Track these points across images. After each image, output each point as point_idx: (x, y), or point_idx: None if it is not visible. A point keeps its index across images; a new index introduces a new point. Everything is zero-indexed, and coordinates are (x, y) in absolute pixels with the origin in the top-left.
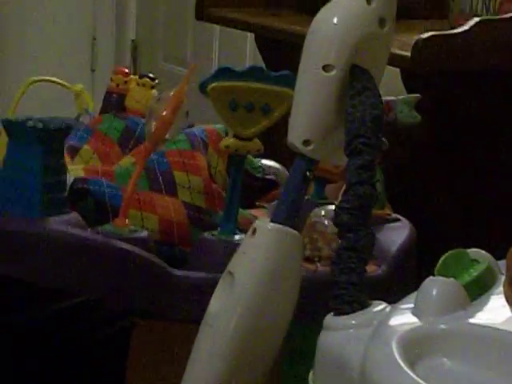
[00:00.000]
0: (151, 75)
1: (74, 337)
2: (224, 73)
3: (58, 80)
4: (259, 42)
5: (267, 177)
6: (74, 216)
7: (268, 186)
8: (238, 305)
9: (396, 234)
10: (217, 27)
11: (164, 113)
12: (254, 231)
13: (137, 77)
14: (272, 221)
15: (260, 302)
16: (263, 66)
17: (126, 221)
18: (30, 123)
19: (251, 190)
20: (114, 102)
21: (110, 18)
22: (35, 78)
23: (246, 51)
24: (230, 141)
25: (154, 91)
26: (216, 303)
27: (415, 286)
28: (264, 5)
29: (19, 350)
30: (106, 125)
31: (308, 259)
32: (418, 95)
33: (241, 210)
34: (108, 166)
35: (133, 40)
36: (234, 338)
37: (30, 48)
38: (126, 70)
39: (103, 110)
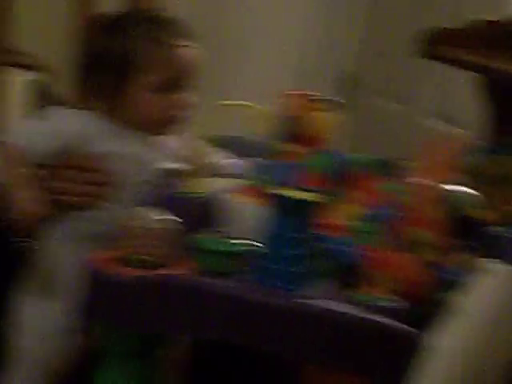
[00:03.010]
0: (327, 97)
1: None
2: None
3: (248, 104)
4: (491, 86)
5: None
6: (326, 285)
7: None
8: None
9: None
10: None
11: None
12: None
13: (311, 99)
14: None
15: (491, 341)
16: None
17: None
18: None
19: None
20: (290, 128)
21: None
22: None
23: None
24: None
25: (328, 114)
26: (449, 338)
27: None
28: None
29: None
30: (312, 162)
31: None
32: None
33: None
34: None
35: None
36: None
37: (245, 70)
38: (302, 93)
39: (279, 136)
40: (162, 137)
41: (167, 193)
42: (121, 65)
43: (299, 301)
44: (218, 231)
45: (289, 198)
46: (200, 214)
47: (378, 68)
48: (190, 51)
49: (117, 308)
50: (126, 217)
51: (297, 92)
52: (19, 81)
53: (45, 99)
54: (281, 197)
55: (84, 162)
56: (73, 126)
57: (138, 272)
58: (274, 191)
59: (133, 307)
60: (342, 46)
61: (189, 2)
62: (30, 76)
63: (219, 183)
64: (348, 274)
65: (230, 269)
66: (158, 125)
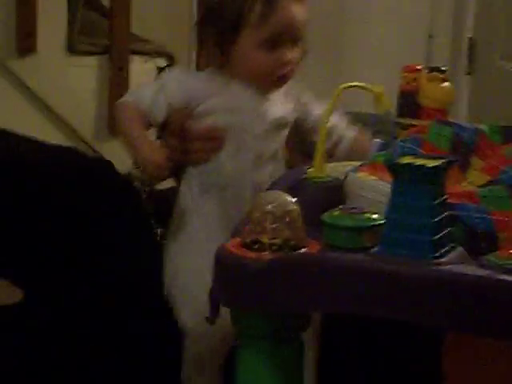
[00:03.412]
0: (443, 67)
1: None
2: None
3: (362, 84)
4: None
5: None
6: (460, 252)
7: None
8: None
9: None
10: None
11: None
12: None
13: (426, 71)
14: None
15: None
16: None
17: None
18: (415, 164)
19: None
20: (409, 102)
21: (447, 15)
22: (346, 85)
23: None
24: None
25: (446, 84)
26: None
27: None
28: None
29: None
30: (432, 134)
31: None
32: None
33: None
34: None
35: (470, 37)
36: None
37: (367, 45)
38: (418, 67)
39: (399, 111)
40: (271, 91)
41: (294, 178)
42: (232, 20)
43: (435, 268)
44: (348, 207)
45: (421, 166)
46: (328, 200)
47: (497, 31)
48: (297, 10)
49: (254, 292)
50: (256, 200)
51: (412, 66)
52: (143, 68)
53: None
54: (412, 166)
55: (188, 121)
56: (181, 84)
57: (272, 255)
58: (403, 161)
59: (270, 290)
60: (467, 10)
61: None
62: (152, 63)
63: (345, 165)
64: (481, 240)
65: (363, 244)
66: (266, 80)
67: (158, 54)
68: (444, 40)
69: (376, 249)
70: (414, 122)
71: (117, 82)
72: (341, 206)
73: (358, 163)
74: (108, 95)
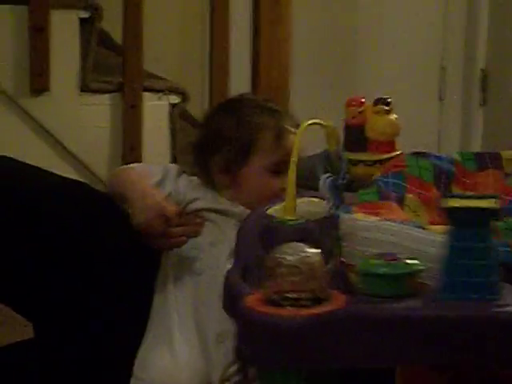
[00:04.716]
0: (388, 99)
1: None
2: None
3: (319, 121)
4: None
5: None
6: (508, 288)
7: None
8: None
9: None
10: None
11: None
12: None
13: (371, 104)
14: None
15: None
16: None
17: None
18: (479, 207)
19: None
20: (356, 136)
21: (459, 47)
22: (310, 122)
23: None
24: None
25: (391, 116)
26: None
27: None
28: None
29: None
30: (413, 168)
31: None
32: None
33: None
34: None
35: (482, 69)
36: None
37: (380, 73)
38: (362, 99)
39: (346, 146)
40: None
41: (262, 222)
42: (245, 144)
43: (503, 309)
44: (379, 254)
45: (485, 209)
46: (306, 242)
47: (510, 61)
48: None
49: (292, 349)
50: (275, 254)
51: (357, 98)
52: (156, 105)
53: (181, 122)
54: (474, 209)
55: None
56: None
57: (308, 311)
58: (458, 204)
59: (311, 346)
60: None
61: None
62: (165, 100)
63: (315, 205)
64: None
65: (404, 291)
66: (266, 201)
67: (171, 90)
68: (456, 71)
69: (433, 294)
70: (363, 156)
71: (130, 120)
72: (374, 253)
73: (314, 199)
74: (122, 132)
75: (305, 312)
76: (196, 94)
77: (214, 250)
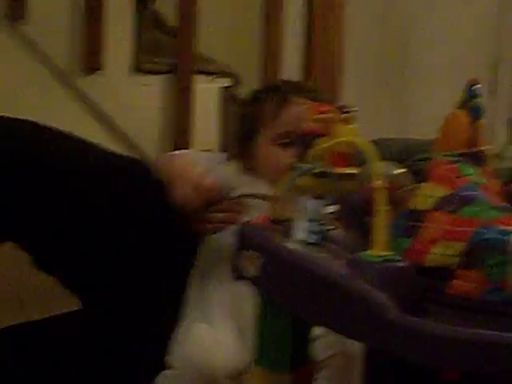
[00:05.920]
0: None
1: None
2: None
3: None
4: None
5: None
6: None
7: None
8: None
9: None
10: None
11: None
12: None
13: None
14: None
15: None
16: None
17: None
18: None
19: None
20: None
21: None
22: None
23: None
24: None
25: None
26: None
27: None
28: None
29: None
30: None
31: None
32: None
33: None
34: None
35: None
36: None
37: (431, 71)
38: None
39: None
40: None
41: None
42: (252, 122)
43: None
44: None
45: None
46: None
47: None
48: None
49: None
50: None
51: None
52: (207, 88)
53: (231, 106)
54: None
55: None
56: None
57: None
58: None
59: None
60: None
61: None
62: (217, 83)
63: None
64: None
65: None
66: (275, 174)
67: (223, 73)
68: (510, 66)
69: None
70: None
71: (181, 101)
72: None
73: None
74: (172, 114)
75: None
76: (248, 77)
77: None
